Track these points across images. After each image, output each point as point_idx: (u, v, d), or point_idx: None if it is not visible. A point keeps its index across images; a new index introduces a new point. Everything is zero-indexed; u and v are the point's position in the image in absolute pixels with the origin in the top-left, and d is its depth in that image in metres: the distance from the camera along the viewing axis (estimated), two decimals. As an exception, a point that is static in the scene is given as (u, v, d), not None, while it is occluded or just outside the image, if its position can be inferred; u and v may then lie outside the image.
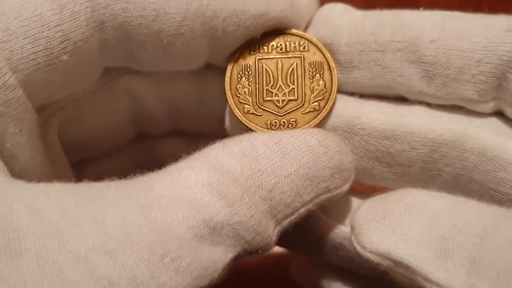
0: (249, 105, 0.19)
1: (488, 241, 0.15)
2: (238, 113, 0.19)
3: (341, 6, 0.20)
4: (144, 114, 0.22)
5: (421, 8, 0.20)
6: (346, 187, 0.18)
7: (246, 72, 0.20)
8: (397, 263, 0.15)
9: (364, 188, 0.22)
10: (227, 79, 0.20)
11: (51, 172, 0.19)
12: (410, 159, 0.19)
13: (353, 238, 0.17)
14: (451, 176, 0.19)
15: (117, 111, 0.21)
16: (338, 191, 0.18)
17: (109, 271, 0.12)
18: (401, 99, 0.20)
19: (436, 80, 0.18)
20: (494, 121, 0.19)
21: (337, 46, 0.19)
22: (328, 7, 0.20)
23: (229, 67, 0.20)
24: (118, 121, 0.22)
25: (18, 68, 0.16)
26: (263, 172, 0.16)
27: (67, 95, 0.19)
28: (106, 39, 0.17)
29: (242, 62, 0.20)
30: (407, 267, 0.15)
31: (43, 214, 0.13)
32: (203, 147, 0.17)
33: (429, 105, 0.19)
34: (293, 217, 0.17)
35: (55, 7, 0.16)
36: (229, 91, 0.20)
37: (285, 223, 0.17)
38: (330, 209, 0.21)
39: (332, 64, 0.19)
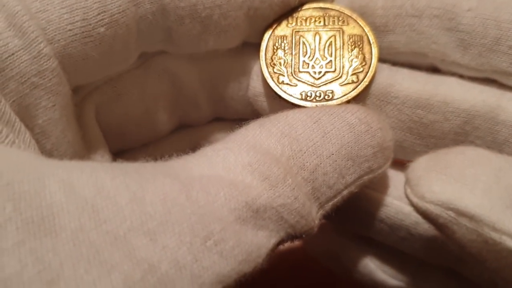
0: (284, 76, 0.19)
1: None
2: (272, 83, 0.19)
3: None
4: (184, 98, 0.22)
5: None
6: (387, 166, 0.18)
7: (283, 44, 0.19)
8: (461, 213, 0.14)
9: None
10: (262, 48, 0.19)
11: (85, 153, 0.19)
12: (442, 131, 0.19)
13: (408, 190, 0.16)
14: None
15: (155, 93, 0.21)
16: (380, 170, 0.17)
17: (149, 254, 0.12)
18: (433, 70, 0.20)
19: (471, 49, 0.18)
20: None
21: (372, 9, 0.19)
22: None
23: (265, 37, 0.19)
24: (157, 105, 0.21)
25: (55, 38, 0.16)
26: (305, 152, 0.15)
27: (102, 76, 0.18)
28: (143, 15, 0.17)
29: (278, 33, 0.19)
30: (472, 217, 0.14)
31: (77, 190, 0.12)
32: (238, 128, 0.16)
33: (461, 77, 0.19)
34: (335, 200, 0.16)
35: None
36: (264, 61, 0.19)
37: (328, 206, 0.16)
38: (392, 187, 0.20)
39: (372, 38, 0.19)
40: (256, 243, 0.14)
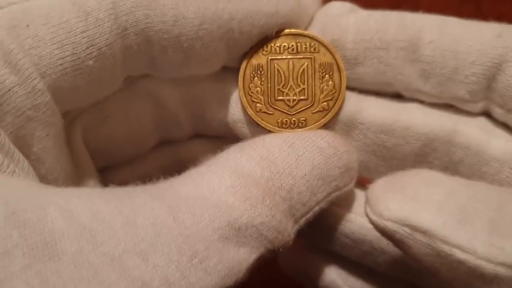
0: (261, 104, 0.20)
1: (507, 208, 0.15)
2: (250, 111, 0.20)
3: (347, 5, 0.21)
4: (167, 118, 0.23)
5: (420, 11, 0.21)
6: (352, 184, 0.20)
7: (259, 72, 0.20)
8: (416, 229, 0.15)
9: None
10: (240, 78, 0.20)
11: (75, 176, 0.20)
12: (404, 153, 0.20)
13: (368, 209, 0.17)
14: (439, 169, 0.20)
15: (139, 114, 0.22)
16: (346, 188, 0.19)
17: (142, 273, 0.13)
18: (397, 96, 0.21)
19: (432, 78, 0.20)
20: (482, 120, 0.20)
21: (343, 42, 0.20)
22: (334, 5, 0.21)
23: (243, 66, 0.20)
24: (140, 125, 0.23)
25: (46, 73, 0.16)
26: (282, 174, 0.17)
27: (91, 102, 0.19)
28: (129, 45, 0.18)
29: (255, 62, 0.20)
30: (425, 232, 0.15)
31: (75, 216, 0.13)
32: (219, 151, 0.18)
33: (422, 103, 0.21)
34: (308, 215, 0.18)
35: (80, 14, 0.17)
36: (242, 90, 0.20)
37: (302, 221, 0.18)
38: (354, 204, 0.22)
39: (341, 65, 0.20)
40: (238, 259, 0.15)
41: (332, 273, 0.23)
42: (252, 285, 0.16)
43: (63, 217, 0.13)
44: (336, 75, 0.20)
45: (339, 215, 0.21)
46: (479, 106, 0.20)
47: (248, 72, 0.20)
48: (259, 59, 0.20)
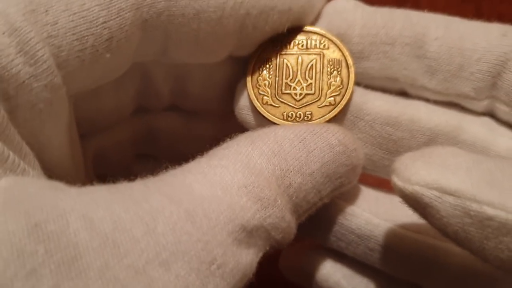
0: (268, 97, 0.20)
1: None
2: (257, 103, 0.20)
3: (352, 1, 0.21)
4: (149, 89, 0.22)
5: (421, 10, 0.21)
6: (355, 182, 0.20)
7: (268, 66, 0.20)
8: (445, 190, 0.15)
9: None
10: (249, 71, 0.20)
11: (71, 152, 0.19)
12: (409, 147, 0.21)
13: (395, 178, 0.16)
14: None
15: (127, 87, 0.21)
16: (350, 185, 0.19)
17: (166, 283, 0.13)
18: (402, 94, 0.21)
19: (437, 75, 0.20)
20: (486, 120, 0.21)
21: (349, 37, 0.20)
22: (340, 1, 0.21)
23: (252, 60, 0.20)
24: (127, 96, 0.22)
25: (62, 65, 0.15)
26: (291, 172, 0.17)
27: (95, 86, 0.18)
28: (146, 37, 0.17)
29: (264, 56, 0.20)
30: (454, 193, 0.15)
31: (97, 225, 0.13)
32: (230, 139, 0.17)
33: (427, 100, 0.21)
34: (310, 211, 0.18)
35: (102, 2, 0.15)
36: (250, 82, 0.20)
37: (303, 216, 0.18)
38: (362, 201, 0.21)
39: (350, 61, 0.20)
40: (250, 262, 0.15)
41: (337, 274, 0.23)
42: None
43: (85, 227, 0.13)
44: (344, 71, 0.20)
45: (345, 210, 0.21)
46: (483, 105, 0.20)
47: (257, 65, 0.20)
48: (269, 53, 0.21)
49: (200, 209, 0.14)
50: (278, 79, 0.20)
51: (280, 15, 0.19)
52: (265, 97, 0.20)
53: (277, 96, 0.20)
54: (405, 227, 0.21)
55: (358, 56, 0.20)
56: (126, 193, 0.14)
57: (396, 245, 0.20)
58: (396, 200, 0.21)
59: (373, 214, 0.21)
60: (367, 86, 0.21)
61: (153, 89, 0.22)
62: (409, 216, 0.21)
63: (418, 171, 0.16)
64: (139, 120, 0.24)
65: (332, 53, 0.20)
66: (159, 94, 0.23)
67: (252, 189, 0.16)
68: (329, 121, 0.20)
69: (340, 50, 0.20)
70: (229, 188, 0.15)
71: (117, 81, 0.20)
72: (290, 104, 0.20)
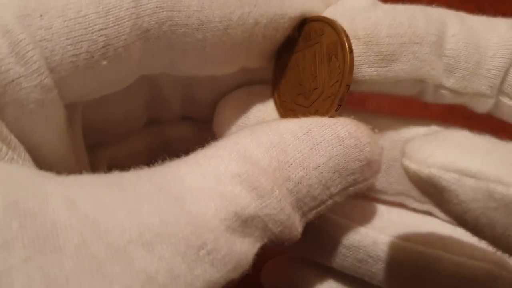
0: (287, 103, 0.19)
1: None
2: (281, 112, 0.19)
3: None
4: (158, 99, 0.22)
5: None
6: (374, 179, 0.18)
7: (284, 71, 0.19)
8: (465, 173, 0.14)
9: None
10: (272, 82, 0.19)
11: (72, 158, 0.19)
12: None
13: (406, 162, 0.15)
14: None
15: (135, 96, 0.21)
16: (366, 183, 0.18)
17: (147, 265, 0.12)
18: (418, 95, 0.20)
19: (455, 73, 0.19)
20: None
21: (377, 38, 0.18)
22: None
23: (273, 71, 0.20)
24: (135, 106, 0.22)
25: (56, 69, 0.15)
26: (291, 164, 0.16)
27: (98, 96, 0.18)
28: (148, 48, 0.17)
29: (280, 62, 0.20)
30: (475, 175, 0.14)
31: (78, 205, 0.12)
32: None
33: None
34: (319, 209, 0.17)
35: (100, 10, 0.15)
36: (274, 92, 0.20)
37: (311, 214, 0.17)
38: (349, 211, 0.21)
39: (344, 42, 0.18)
40: (245, 251, 0.14)
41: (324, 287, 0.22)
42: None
43: (66, 207, 0.12)
44: (340, 54, 0.18)
45: (332, 221, 0.20)
46: (491, 103, 0.20)
47: (277, 73, 0.20)
48: (283, 58, 0.20)
49: (189, 197, 0.14)
50: (292, 82, 0.19)
51: (291, 22, 0.18)
52: (286, 104, 0.19)
53: (294, 101, 0.19)
54: (394, 236, 0.20)
55: (389, 59, 0.19)
56: (114, 180, 0.14)
57: (386, 254, 0.20)
58: (383, 209, 0.21)
59: (362, 224, 0.20)
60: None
61: (163, 100, 0.22)
62: (397, 224, 0.20)
63: (434, 152, 0.15)
64: (152, 132, 0.24)
65: (329, 38, 0.18)
66: (170, 104, 0.23)
67: (246, 178, 0.15)
68: (333, 114, 0.18)
69: (335, 31, 0.18)
70: (223, 177, 0.15)
71: (124, 91, 0.20)
72: (303, 105, 0.19)
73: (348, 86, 0.18)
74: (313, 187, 0.16)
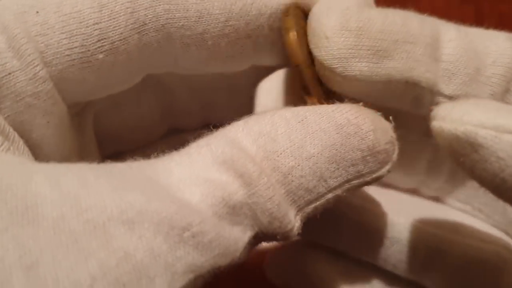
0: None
1: None
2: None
3: None
4: (176, 106, 0.22)
5: (421, 11, 0.20)
6: (383, 171, 0.16)
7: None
8: (503, 129, 0.13)
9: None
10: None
11: (76, 161, 0.19)
12: None
13: (439, 123, 0.15)
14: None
15: (150, 103, 0.22)
16: (373, 175, 0.16)
17: (126, 243, 0.12)
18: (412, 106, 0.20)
19: (455, 79, 0.18)
20: None
21: (369, 32, 0.18)
22: None
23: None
24: (151, 113, 0.22)
25: (52, 62, 0.16)
26: (280, 154, 0.15)
27: (103, 96, 0.19)
28: (148, 42, 0.17)
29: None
30: None
31: (62, 183, 0.13)
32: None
33: None
34: (318, 203, 0.16)
35: (94, 5, 0.16)
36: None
37: (309, 209, 0.16)
38: (365, 194, 0.20)
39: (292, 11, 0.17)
40: (234, 239, 0.14)
41: (333, 272, 0.21)
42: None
43: (49, 183, 0.12)
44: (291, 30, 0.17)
45: (348, 203, 0.20)
46: None
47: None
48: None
49: (175, 187, 0.14)
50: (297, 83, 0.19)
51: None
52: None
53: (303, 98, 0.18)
54: (409, 218, 0.20)
55: (381, 55, 0.18)
56: (105, 167, 0.14)
57: (402, 236, 0.19)
58: (396, 194, 0.20)
59: (377, 207, 0.19)
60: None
61: (180, 107, 0.22)
62: (410, 208, 0.20)
63: (469, 110, 0.14)
64: (174, 141, 0.24)
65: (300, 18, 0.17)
66: (190, 111, 0.23)
67: (232, 165, 0.14)
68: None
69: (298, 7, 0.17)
70: (210, 165, 0.15)
71: (136, 95, 0.20)
72: (304, 98, 0.18)
73: (297, 65, 0.17)
74: (306, 179, 0.15)
